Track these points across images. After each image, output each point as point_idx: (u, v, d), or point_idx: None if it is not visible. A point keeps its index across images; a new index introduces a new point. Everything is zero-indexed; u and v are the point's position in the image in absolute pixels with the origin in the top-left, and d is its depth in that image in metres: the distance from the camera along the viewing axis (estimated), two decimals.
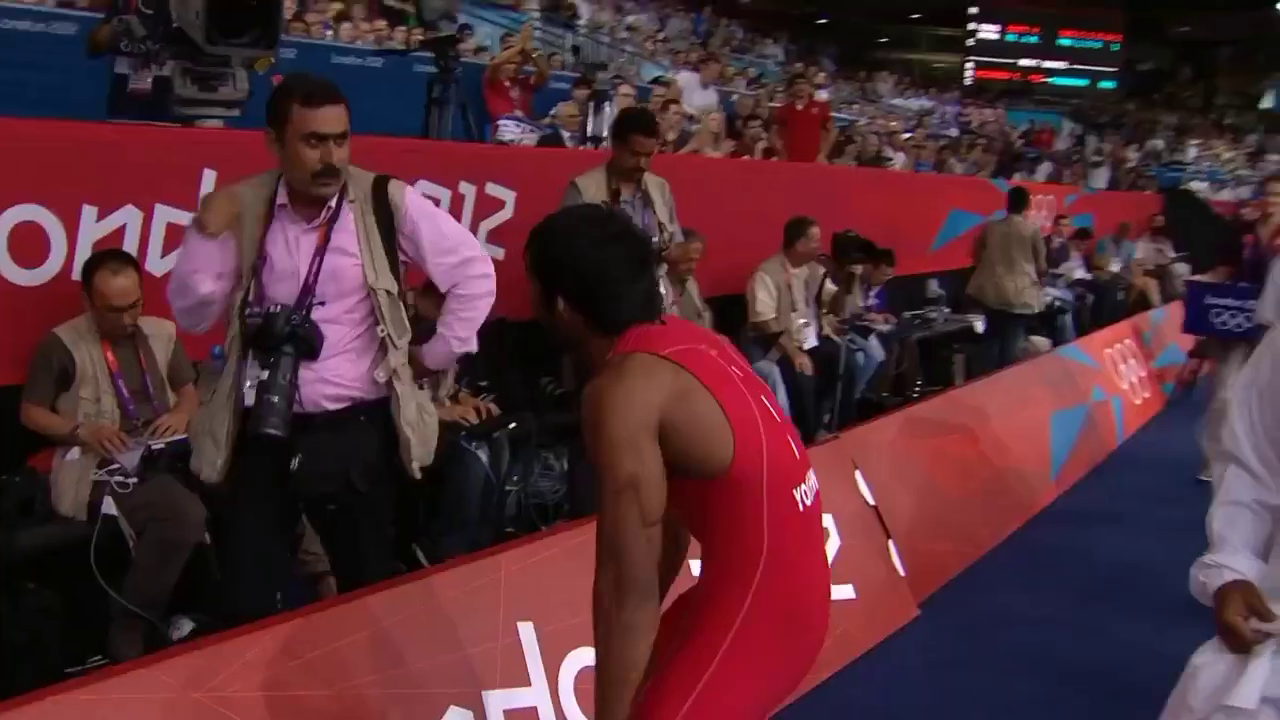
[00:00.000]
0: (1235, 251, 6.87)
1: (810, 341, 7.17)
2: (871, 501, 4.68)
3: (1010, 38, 33.02)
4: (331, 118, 2.85)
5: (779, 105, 11.13)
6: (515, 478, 5.10)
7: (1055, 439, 6.79)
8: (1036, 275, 9.02)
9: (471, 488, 4.56)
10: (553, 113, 9.47)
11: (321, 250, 2.98)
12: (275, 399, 2.86)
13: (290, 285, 2.97)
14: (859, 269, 7.68)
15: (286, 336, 2.89)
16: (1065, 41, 33.22)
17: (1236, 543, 2.08)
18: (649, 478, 2.00)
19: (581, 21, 16.81)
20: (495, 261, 5.35)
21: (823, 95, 12.50)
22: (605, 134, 7.36)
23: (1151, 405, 9.02)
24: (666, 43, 19.47)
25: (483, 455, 4.64)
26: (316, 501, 3.16)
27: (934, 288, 10.39)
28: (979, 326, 9.98)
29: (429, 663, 2.79)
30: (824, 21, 32.67)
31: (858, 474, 4.70)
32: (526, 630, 3.02)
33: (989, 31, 32.99)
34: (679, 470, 2.04)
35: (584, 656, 3.10)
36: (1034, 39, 33.02)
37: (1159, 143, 31.26)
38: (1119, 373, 8.53)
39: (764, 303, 6.89)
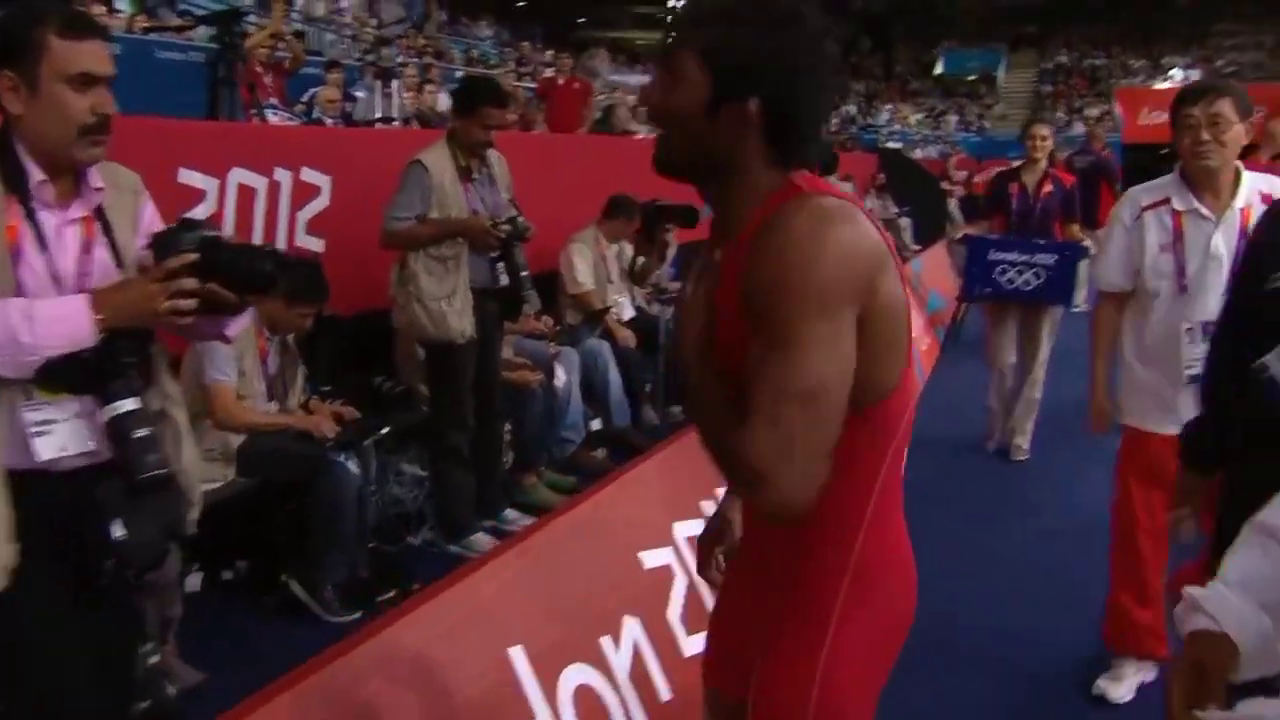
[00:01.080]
0: (1003, 201, 6.55)
1: (628, 313, 6.99)
2: None
3: None
4: (102, 54, 2.14)
5: (541, 80, 10.89)
6: (372, 487, 4.63)
7: None
8: None
9: (346, 502, 4.06)
10: (305, 99, 8.82)
11: (89, 246, 2.20)
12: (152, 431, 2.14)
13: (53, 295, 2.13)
14: (671, 237, 7.54)
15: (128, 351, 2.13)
16: None
17: (1236, 579, 1.48)
18: (840, 384, 1.45)
19: (297, 7, 15.88)
20: (315, 254, 4.93)
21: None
22: (396, 115, 6.86)
23: (934, 350, 9.38)
24: (383, 27, 18.71)
25: (353, 466, 4.15)
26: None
27: None
28: None
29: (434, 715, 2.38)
30: (523, 4, 32.61)
31: None
32: (518, 655, 2.64)
33: None
34: None
35: (578, 673, 2.78)
36: None
37: (852, 108, 33.19)
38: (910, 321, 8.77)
39: (583, 272, 6.63)
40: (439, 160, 4.48)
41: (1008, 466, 6.42)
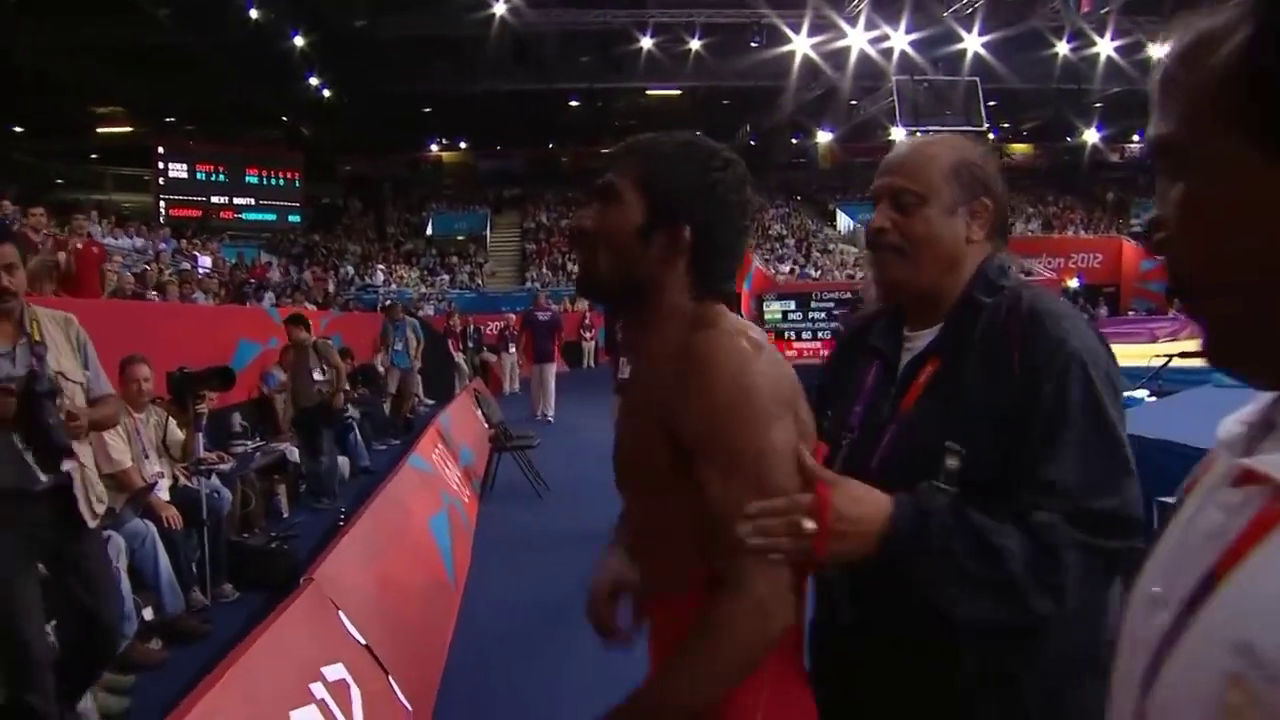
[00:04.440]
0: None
1: (165, 492, 6.55)
2: (363, 641, 4.41)
3: (200, 176, 33.09)
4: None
5: (55, 241, 10.07)
6: None
7: (439, 543, 6.95)
8: None
9: None
10: None
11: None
12: None
13: None
14: (205, 406, 7.15)
15: None
16: (252, 179, 34.24)
17: None
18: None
19: None
20: None
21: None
22: None
23: (474, 501, 9.59)
24: None
25: None
26: None
27: (239, 421, 10.06)
28: (294, 454, 9.95)
29: None
30: None
31: (341, 615, 4.40)
32: None
33: (178, 170, 32.78)
34: None
35: None
36: (222, 177, 33.46)
37: (350, 269, 33.40)
38: (448, 474, 8.95)
39: (119, 450, 6.16)
40: None
41: None
